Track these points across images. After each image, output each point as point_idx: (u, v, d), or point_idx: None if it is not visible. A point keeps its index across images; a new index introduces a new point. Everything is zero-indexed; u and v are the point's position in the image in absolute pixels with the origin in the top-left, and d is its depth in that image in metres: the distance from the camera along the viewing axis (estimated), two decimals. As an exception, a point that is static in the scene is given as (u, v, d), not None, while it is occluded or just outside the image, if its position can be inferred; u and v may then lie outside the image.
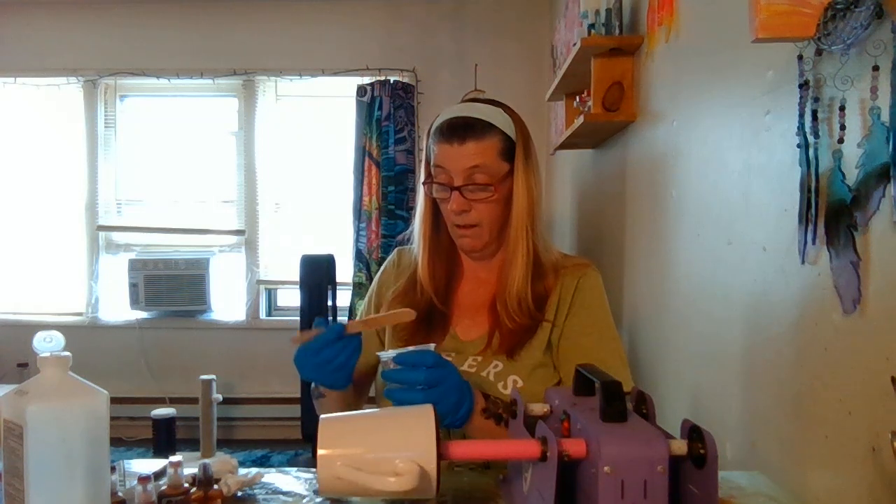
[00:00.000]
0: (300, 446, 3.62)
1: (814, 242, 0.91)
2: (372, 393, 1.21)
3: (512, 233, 1.09)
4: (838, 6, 0.78)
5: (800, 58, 0.91)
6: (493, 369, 1.06)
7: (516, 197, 1.08)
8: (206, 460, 0.85)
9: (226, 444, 3.66)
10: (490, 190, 1.06)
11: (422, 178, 1.14)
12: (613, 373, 0.97)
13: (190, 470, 0.84)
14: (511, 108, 1.13)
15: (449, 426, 0.93)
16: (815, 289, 0.92)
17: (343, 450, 0.71)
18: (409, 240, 1.21)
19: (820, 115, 0.88)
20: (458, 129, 1.06)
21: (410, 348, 0.96)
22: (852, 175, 0.82)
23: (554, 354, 1.09)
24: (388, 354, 0.94)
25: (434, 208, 1.15)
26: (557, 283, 1.11)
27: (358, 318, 1.20)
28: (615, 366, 1.06)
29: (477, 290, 1.16)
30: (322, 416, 0.74)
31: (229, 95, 3.96)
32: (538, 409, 0.82)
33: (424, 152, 1.14)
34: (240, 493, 0.86)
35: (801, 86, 0.91)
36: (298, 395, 3.41)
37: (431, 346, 0.96)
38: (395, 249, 1.26)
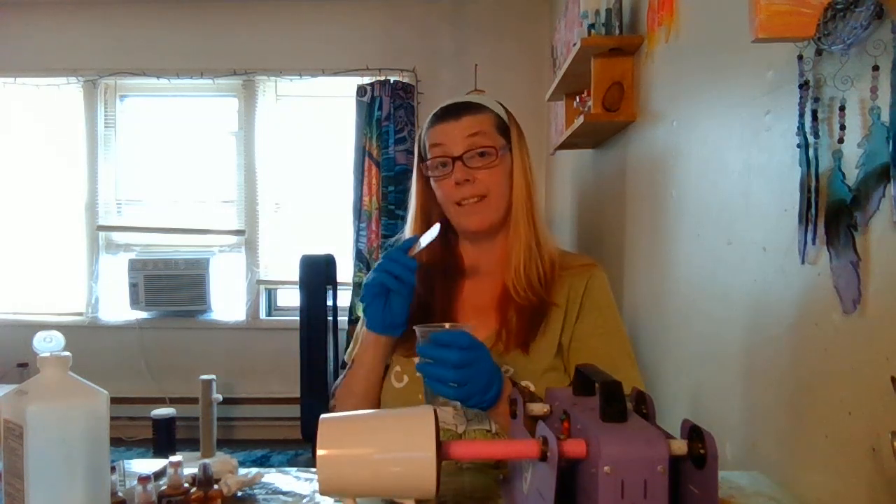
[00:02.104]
0: (300, 446, 3.62)
1: (814, 242, 0.91)
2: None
3: (513, 209, 1.11)
4: (838, 6, 0.79)
5: (800, 58, 0.91)
6: (504, 374, 1.06)
7: (515, 174, 1.11)
8: (206, 460, 0.85)
9: (226, 444, 3.66)
10: (492, 154, 1.07)
11: (414, 177, 1.15)
12: (624, 373, 0.98)
13: (190, 470, 0.84)
14: (501, 102, 1.16)
15: (476, 406, 0.93)
16: (815, 289, 0.92)
17: (343, 450, 0.71)
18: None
19: (820, 115, 0.88)
20: (454, 109, 1.10)
21: (447, 325, 0.96)
22: (852, 175, 0.82)
23: (564, 357, 1.09)
24: (424, 329, 0.94)
25: (426, 207, 1.15)
26: (565, 281, 1.11)
27: (358, 328, 1.19)
28: (625, 366, 1.06)
29: (479, 289, 1.15)
30: (322, 416, 0.74)
31: (229, 95, 3.96)
32: (538, 409, 0.81)
33: (417, 147, 1.15)
34: (240, 493, 0.86)
35: (801, 86, 0.91)
36: (298, 395, 3.40)
37: (469, 326, 0.95)
38: None
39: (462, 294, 1.16)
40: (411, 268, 0.98)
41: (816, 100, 0.89)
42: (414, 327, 0.96)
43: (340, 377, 1.14)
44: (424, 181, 1.14)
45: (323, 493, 0.71)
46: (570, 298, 1.10)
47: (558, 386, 1.05)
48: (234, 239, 3.97)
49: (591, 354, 1.05)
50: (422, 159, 1.13)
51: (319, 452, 0.69)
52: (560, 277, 1.11)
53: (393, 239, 1.25)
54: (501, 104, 1.15)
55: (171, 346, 3.88)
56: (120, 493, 0.82)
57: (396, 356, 1.12)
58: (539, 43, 3.77)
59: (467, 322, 1.12)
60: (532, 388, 1.03)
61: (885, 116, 0.76)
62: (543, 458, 0.66)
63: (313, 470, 0.90)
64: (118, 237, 4.00)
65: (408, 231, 1.17)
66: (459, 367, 0.88)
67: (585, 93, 2.12)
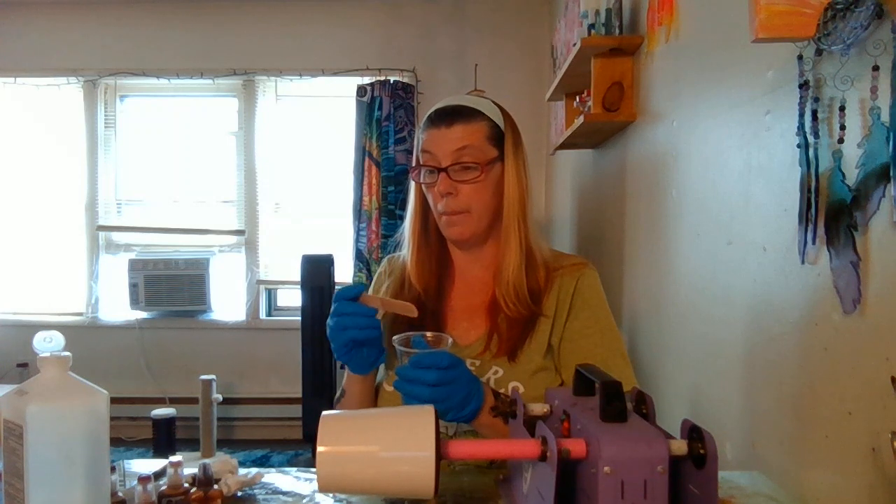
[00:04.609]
0: (300, 446, 3.62)
1: (814, 242, 0.91)
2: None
3: (504, 222, 1.09)
4: (838, 6, 0.79)
5: (800, 58, 0.91)
6: (494, 375, 1.05)
7: (507, 185, 1.08)
8: (206, 460, 0.85)
9: (226, 444, 3.66)
10: (477, 170, 1.05)
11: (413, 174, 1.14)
12: (617, 372, 0.97)
13: (190, 470, 0.84)
14: (499, 104, 1.14)
15: (454, 421, 0.93)
16: (815, 289, 0.92)
17: (343, 447, 0.71)
18: (400, 245, 1.20)
19: (820, 115, 0.88)
20: (446, 115, 1.07)
21: (429, 334, 0.96)
22: (852, 175, 0.82)
23: (555, 357, 1.08)
24: (403, 349, 0.93)
25: (423, 206, 1.14)
26: (555, 282, 1.10)
27: None
28: (618, 365, 1.05)
29: (471, 292, 1.15)
30: (323, 412, 0.74)
31: (229, 95, 3.96)
32: (538, 409, 0.81)
33: (415, 147, 1.14)
34: (240, 493, 0.86)
35: (801, 86, 0.91)
36: (299, 394, 3.40)
37: (449, 340, 0.96)
38: (385, 258, 1.26)
39: (452, 296, 1.16)
40: (374, 324, 0.97)
41: (816, 100, 0.89)
42: (393, 340, 0.96)
43: (338, 394, 1.14)
44: (419, 183, 1.14)
45: (322, 489, 0.71)
46: (560, 299, 1.09)
47: (549, 385, 1.06)
48: (234, 239, 3.97)
49: (583, 353, 1.05)
50: (416, 161, 1.12)
51: (319, 449, 0.69)
52: (551, 279, 1.11)
53: (394, 238, 1.25)
54: (500, 107, 1.13)
55: (171, 346, 3.88)
56: (120, 493, 0.82)
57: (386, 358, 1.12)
58: (539, 43, 3.77)
59: (458, 323, 1.12)
60: (521, 391, 1.03)
61: (885, 116, 0.76)
62: (543, 458, 0.66)
63: (313, 470, 0.90)
64: (118, 237, 4.00)
65: (406, 231, 1.17)
66: (436, 386, 0.88)
67: (585, 93, 2.12)
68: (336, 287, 3.42)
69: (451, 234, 1.11)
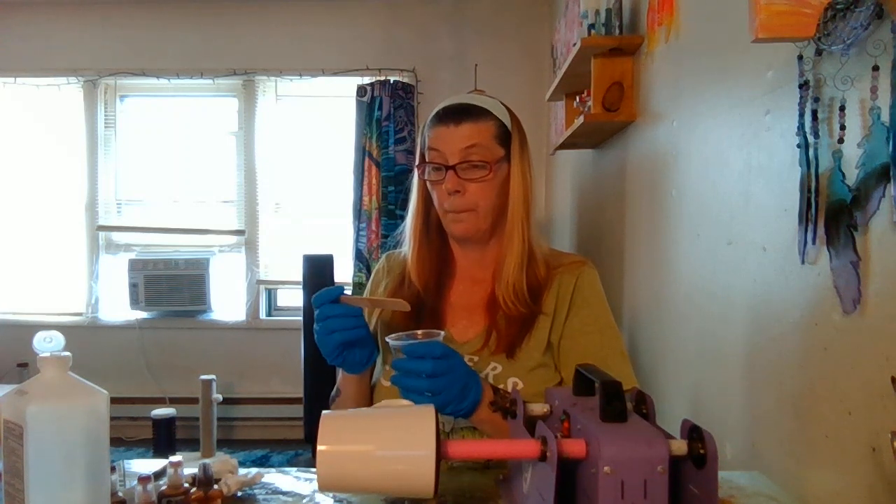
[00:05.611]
0: (300, 446, 3.62)
1: (814, 242, 0.91)
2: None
3: (509, 220, 1.09)
4: (838, 6, 0.79)
5: (800, 58, 0.91)
6: (493, 371, 1.05)
7: (513, 185, 1.09)
8: (206, 460, 0.85)
9: (226, 444, 3.66)
10: (486, 168, 1.06)
11: (415, 173, 1.14)
12: (616, 371, 0.97)
13: (190, 470, 0.84)
14: (505, 104, 1.14)
15: (453, 414, 0.93)
16: (815, 289, 0.92)
17: (343, 446, 0.71)
18: (400, 242, 1.20)
19: (820, 115, 0.89)
20: (455, 113, 1.07)
21: (419, 332, 0.96)
22: (852, 175, 0.83)
23: (555, 354, 1.08)
24: (396, 343, 0.93)
25: (426, 204, 1.14)
26: (554, 280, 1.10)
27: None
28: (618, 363, 1.06)
29: (471, 289, 1.15)
30: (324, 412, 0.74)
31: (229, 95, 3.96)
32: (538, 409, 0.82)
33: (419, 143, 1.14)
34: (240, 493, 0.86)
35: (801, 86, 0.91)
36: (300, 394, 3.40)
37: (441, 334, 0.96)
38: (384, 255, 1.26)
39: (452, 293, 1.16)
40: (361, 323, 0.97)
41: (816, 100, 0.89)
42: (387, 339, 0.96)
43: (333, 393, 1.14)
44: (424, 180, 1.13)
45: (322, 488, 0.72)
46: (559, 296, 1.09)
47: (548, 382, 1.06)
48: (234, 239, 3.97)
49: (582, 351, 1.05)
50: (422, 158, 1.12)
51: (320, 448, 0.69)
52: (551, 277, 1.11)
53: (393, 236, 1.25)
54: (507, 107, 1.13)
55: (171, 346, 3.88)
56: (120, 493, 0.82)
57: (383, 355, 1.13)
58: (539, 43, 3.77)
59: (457, 321, 1.13)
60: (519, 387, 1.03)
61: (885, 116, 0.76)
62: (543, 458, 0.66)
63: (313, 470, 0.90)
64: (118, 237, 4.00)
65: (408, 228, 1.17)
66: (433, 377, 0.88)
67: (585, 93, 2.12)
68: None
69: (455, 231, 1.11)
